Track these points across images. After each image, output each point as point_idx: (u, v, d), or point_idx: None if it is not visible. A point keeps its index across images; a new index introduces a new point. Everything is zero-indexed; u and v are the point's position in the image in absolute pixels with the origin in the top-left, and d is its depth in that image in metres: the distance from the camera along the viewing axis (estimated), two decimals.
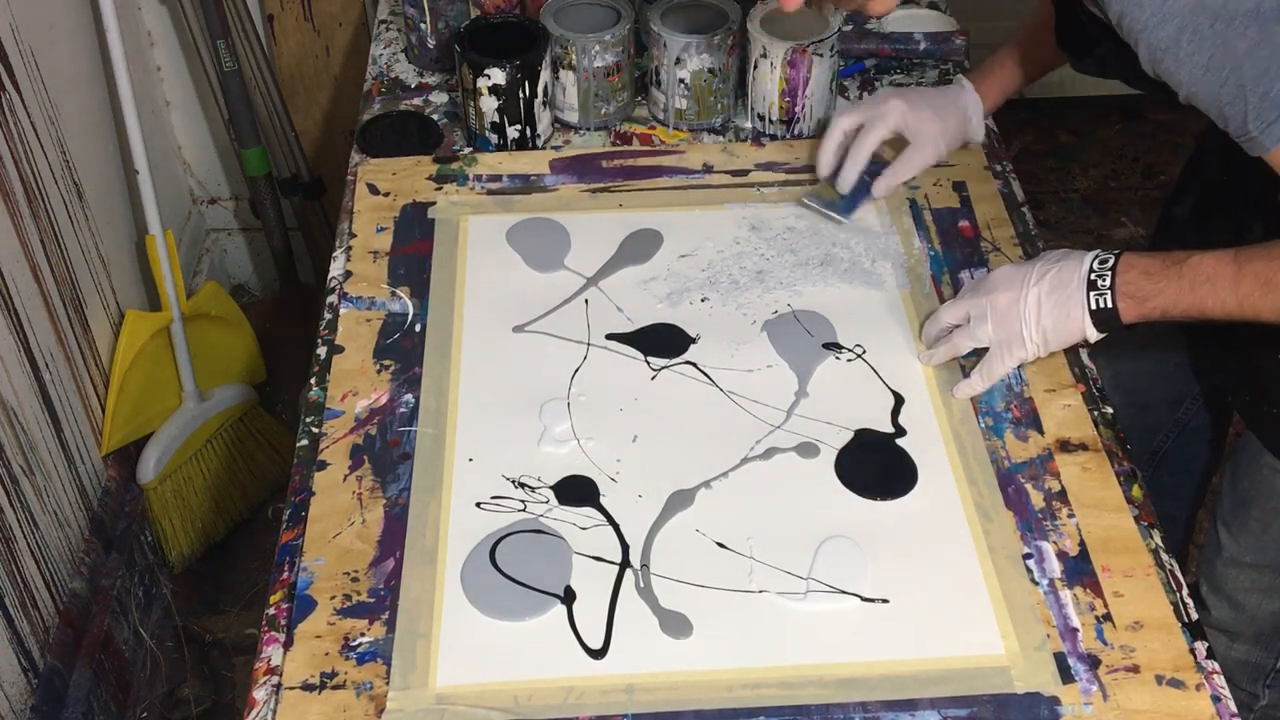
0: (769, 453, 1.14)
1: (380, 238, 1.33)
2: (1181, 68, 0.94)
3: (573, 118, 1.50)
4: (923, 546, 1.06)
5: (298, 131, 2.06)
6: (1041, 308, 1.09)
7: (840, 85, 1.52)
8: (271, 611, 1.03)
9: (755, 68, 1.43)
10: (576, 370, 1.21)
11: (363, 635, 1.00)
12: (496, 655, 0.99)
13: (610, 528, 1.08)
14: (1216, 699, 0.96)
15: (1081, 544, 1.05)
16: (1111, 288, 1.06)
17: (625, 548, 1.06)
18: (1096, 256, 1.08)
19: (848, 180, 1.31)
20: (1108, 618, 1.01)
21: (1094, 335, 1.08)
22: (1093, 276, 1.07)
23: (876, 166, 1.33)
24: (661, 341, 1.24)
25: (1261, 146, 0.96)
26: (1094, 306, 1.07)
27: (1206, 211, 1.29)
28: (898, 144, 1.33)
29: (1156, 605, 1.01)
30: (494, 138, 1.45)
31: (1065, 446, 1.13)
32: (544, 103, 1.45)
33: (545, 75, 1.43)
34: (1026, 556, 1.05)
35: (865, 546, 1.06)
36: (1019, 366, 1.15)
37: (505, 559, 1.05)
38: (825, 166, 1.33)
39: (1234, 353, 1.22)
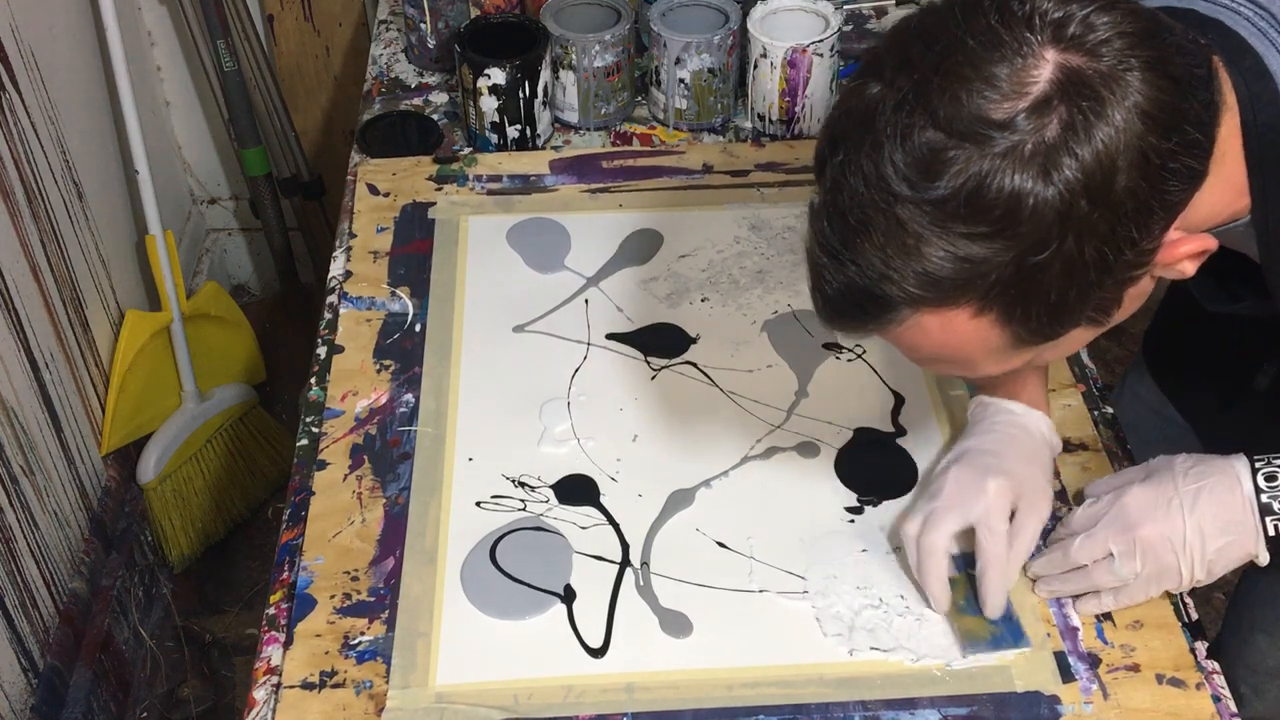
0: (769, 452, 1.14)
1: (380, 238, 1.34)
2: None
3: (573, 118, 1.50)
4: None
5: (298, 131, 2.06)
6: (1205, 541, 0.93)
7: (840, 85, 1.52)
8: (271, 611, 1.03)
9: (755, 68, 1.43)
10: (576, 370, 1.21)
11: (362, 634, 1.00)
12: (496, 654, 0.99)
13: (610, 527, 1.08)
14: (1216, 699, 0.96)
15: None
16: None
17: (625, 547, 1.06)
18: (1258, 471, 0.93)
19: (1001, 600, 0.99)
20: (1108, 617, 1.01)
21: (1267, 559, 0.94)
22: (1264, 499, 0.92)
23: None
24: (661, 341, 1.24)
25: None
26: (1272, 533, 0.92)
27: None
28: None
29: (1157, 604, 1.01)
30: (494, 138, 1.45)
31: (1065, 446, 1.13)
32: (544, 103, 1.45)
33: (545, 75, 1.43)
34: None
35: (865, 546, 1.06)
36: None
37: (505, 557, 1.05)
38: (946, 602, 1.00)
39: None
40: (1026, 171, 0.70)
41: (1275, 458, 0.93)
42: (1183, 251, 0.78)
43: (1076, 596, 1.01)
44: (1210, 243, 0.79)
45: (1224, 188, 0.81)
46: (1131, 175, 0.72)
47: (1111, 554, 0.96)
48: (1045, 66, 0.72)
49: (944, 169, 0.71)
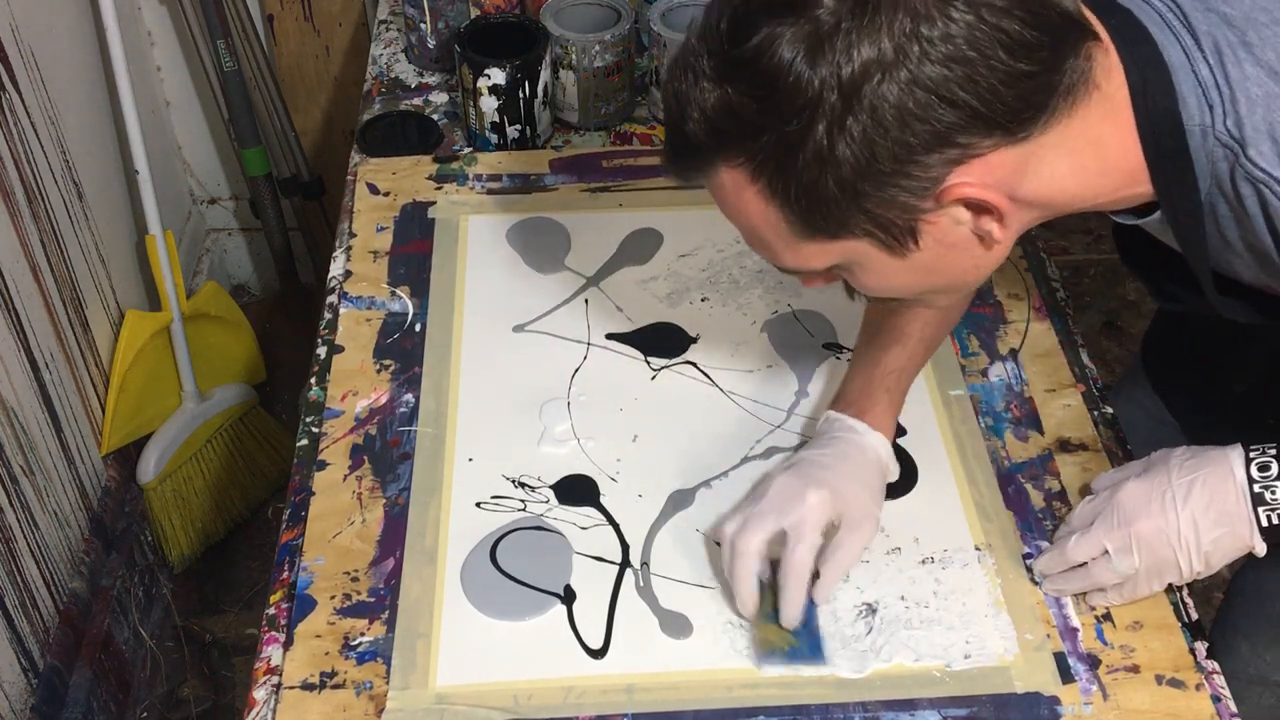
0: (769, 452, 1.14)
1: (380, 237, 1.33)
2: None
3: (573, 118, 1.50)
4: (923, 546, 1.06)
5: (298, 131, 2.06)
6: (1200, 533, 0.93)
7: None
8: (271, 611, 1.03)
9: None
10: (576, 370, 1.21)
11: (363, 635, 1.00)
12: (496, 655, 0.99)
13: (610, 527, 1.08)
14: (1216, 699, 0.96)
15: None
16: None
17: (625, 547, 1.06)
18: (1251, 461, 0.93)
19: (797, 612, 0.98)
20: (1108, 617, 1.01)
21: (1263, 550, 0.94)
22: (1257, 489, 0.92)
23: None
24: (661, 341, 1.24)
25: None
26: (1266, 524, 0.92)
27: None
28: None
29: (1156, 605, 1.01)
30: (494, 138, 1.45)
31: (1065, 446, 1.13)
32: (544, 103, 1.45)
33: (545, 75, 1.43)
34: (1026, 556, 1.05)
35: (865, 547, 1.06)
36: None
37: (505, 558, 1.05)
38: (751, 605, 0.99)
39: None
40: (798, 49, 0.75)
41: (1270, 447, 0.93)
42: (962, 194, 0.79)
43: (1084, 594, 1.01)
44: (1004, 204, 0.80)
45: (1101, 171, 0.83)
46: (894, 90, 0.75)
47: (1108, 551, 0.97)
48: None
49: (751, 33, 0.77)
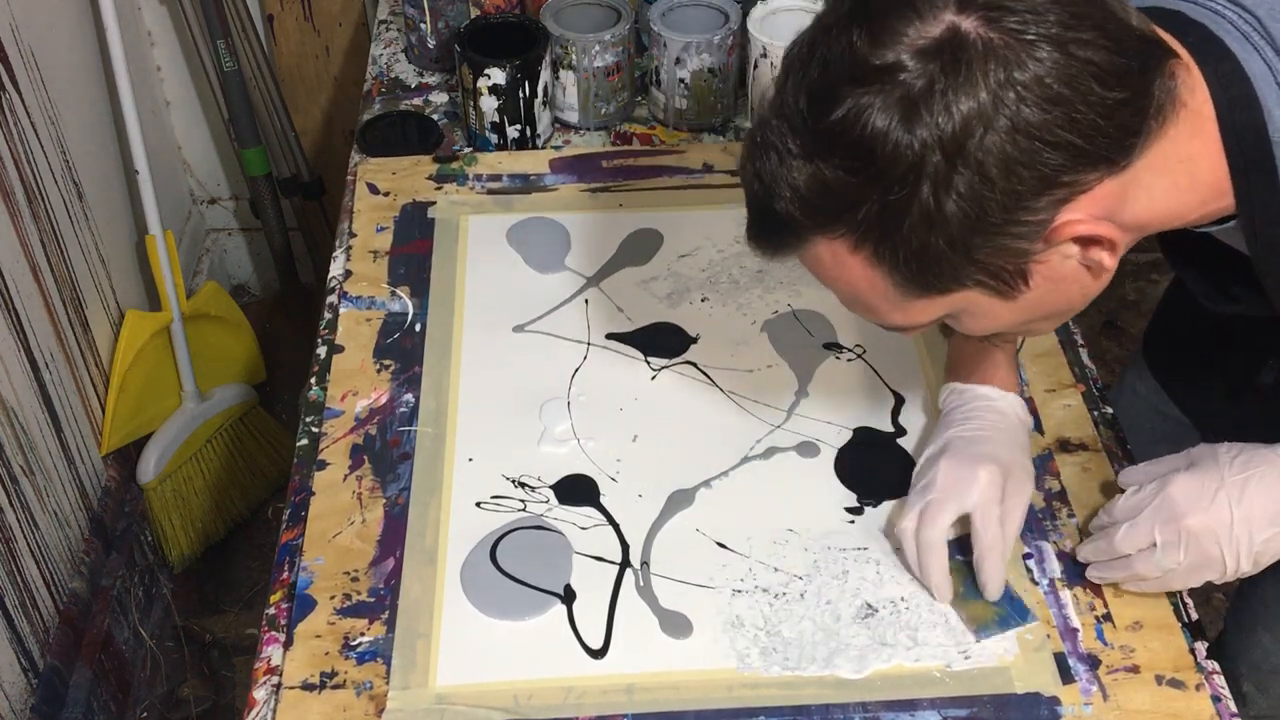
0: (769, 452, 1.14)
1: (380, 237, 1.33)
2: None
3: (573, 118, 1.50)
4: None
5: (298, 131, 2.06)
6: (1254, 532, 0.92)
7: None
8: (271, 611, 1.03)
9: (755, 68, 1.43)
10: (576, 370, 1.21)
11: (363, 635, 1.00)
12: (496, 655, 0.99)
13: (610, 527, 1.08)
14: (1216, 699, 0.96)
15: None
16: None
17: (625, 547, 1.06)
18: None
19: (1001, 583, 1.01)
20: (1108, 618, 1.01)
21: None
22: None
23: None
24: (661, 341, 1.24)
25: None
26: None
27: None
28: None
29: (1156, 605, 1.01)
30: (494, 138, 1.45)
31: (1065, 446, 1.13)
32: (544, 103, 1.45)
33: (545, 75, 1.43)
34: (1026, 556, 1.05)
35: (866, 546, 1.06)
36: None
37: (505, 558, 1.05)
38: (948, 593, 1.02)
39: None
40: (892, 115, 0.75)
41: None
42: (1074, 232, 0.79)
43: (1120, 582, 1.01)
44: (1114, 234, 0.80)
45: (1191, 188, 0.84)
46: (996, 141, 0.74)
47: (1155, 544, 0.96)
48: (938, 26, 0.75)
49: (835, 106, 0.77)
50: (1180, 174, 0.83)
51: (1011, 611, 1.01)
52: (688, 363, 1.22)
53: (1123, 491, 1.01)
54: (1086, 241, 0.81)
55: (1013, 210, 0.77)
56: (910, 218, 0.77)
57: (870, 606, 1.02)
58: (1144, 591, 1.01)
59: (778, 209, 0.81)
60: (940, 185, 0.76)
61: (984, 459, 1.02)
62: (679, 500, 1.10)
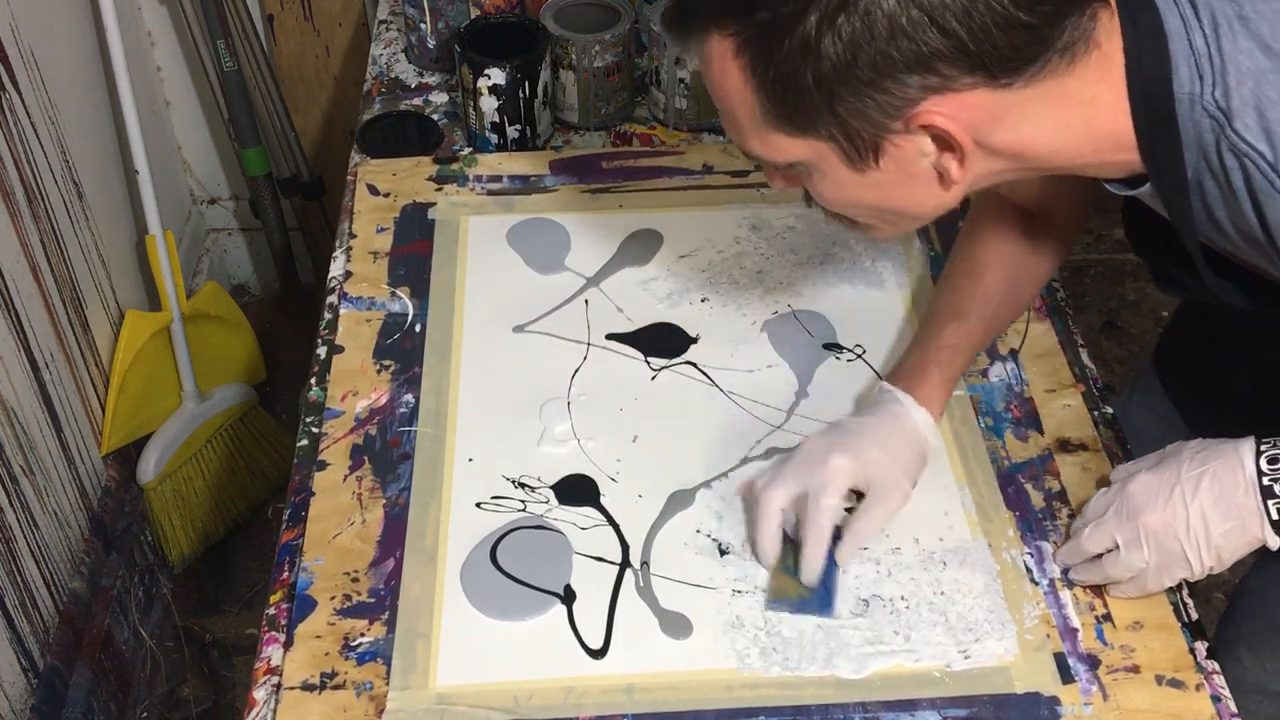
0: (769, 453, 1.14)
1: (380, 238, 1.33)
2: None
3: (573, 118, 1.50)
4: (923, 546, 1.06)
5: (298, 131, 2.06)
6: (1209, 526, 0.92)
7: None
8: (271, 611, 1.03)
9: None
10: (576, 370, 1.21)
11: (363, 635, 1.00)
12: (496, 655, 0.99)
13: (610, 527, 1.08)
14: (1216, 699, 0.96)
15: None
16: None
17: (625, 547, 1.06)
18: (1261, 455, 0.91)
19: (815, 569, 1.01)
20: (1108, 618, 1.01)
21: (1276, 543, 0.92)
22: (1265, 481, 0.91)
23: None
24: (661, 341, 1.23)
25: None
26: (1276, 516, 0.91)
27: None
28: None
29: (1156, 605, 1.01)
30: (494, 138, 1.45)
31: (1065, 446, 1.13)
32: (544, 103, 1.45)
33: (545, 75, 1.43)
34: (1026, 556, 1.05)
35: (865, 545, 1.06)
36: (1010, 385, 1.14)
37: (505, 558, 1.05)
38: (770, 556, 1.03)
39: None
40: None
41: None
42: (930, 122, 0.80)
43: (1104, 586, 1.01)
44: (969, 144, 0.81)
45: (1085, 131, 0.84)
46: (890, 2, 0.76)
47: (1118, 544, 0.96)
48: None
49: None
50: (1075, 115, 0.82)
51: (817, 599, 1.01)
52: (688, 363, 1.22)
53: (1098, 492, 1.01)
54: (942, 142, 0.82)
55: (882, 74, 0.78)
56: (790, 40, 0.78)
57: (870, 606, 1.02)
58: (1125, 595, 1.01)
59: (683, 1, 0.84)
60: (825, 20, 0.77)
61: (845, 450, 1.02)
62: (679, 500, 1.10)
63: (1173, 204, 0.86)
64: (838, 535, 1.02)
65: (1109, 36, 0.81)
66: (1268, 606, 1.18)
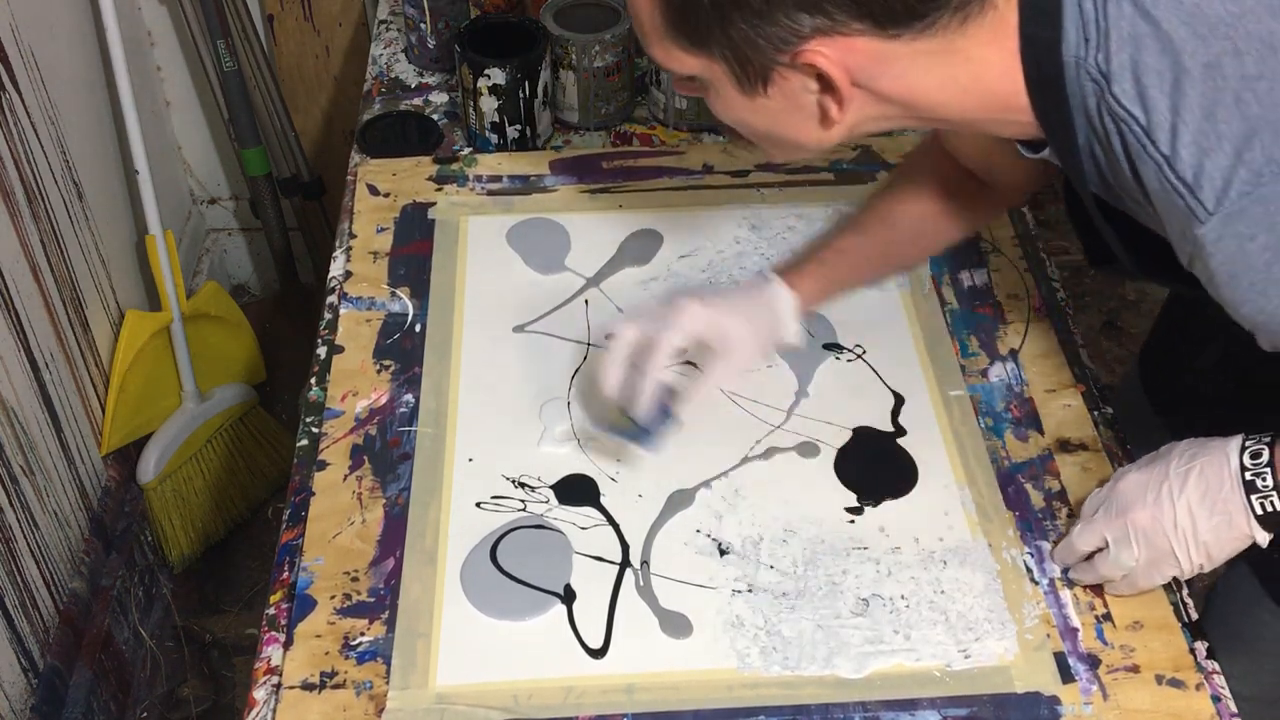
0: (769, 453, 1.14)
1: (380, 238, 1.33)
2: None
3: (573, 118, 1.50)
4: (923, 546, 1.06)
5: (298, 131, 2.06)
6: (1196, 522, 0.92)
7: None
8: (271, 611, 1.03)
9: None
10: (576, 370, 1.21)
11: (363, 635, 1.00)
12: (496, 655, 0.99)
13: (610, 527, 1.08)
14: (1216, 699, 0.96)
15: None
16: (1276, 487, 0.90)
17: (625, 547, 1.06)
18: (1244, 450, 0.92)
19: (643, 407, 1.06)
20: (1108, 617, 1.01)
21: (1265, 539, 0.92)
22: (1248, 476, 0.91)
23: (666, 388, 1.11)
24: None
25: None
26: (1260, 511, 0.91)
27: (1238, 366, 1.16)
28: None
29: (1156, 605, 1.01)
30: (494, 138, 1.45)
31: (1065, 446, 1.13)
32: (544, 103, 1.45)
33: (545, 75, 1.43)
34: (1026, 556, 1.05)
35: (866, 546, 1.06)
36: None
37: (505, 558, 1.05)
38: (611, 386, 1.08)
39: None
40: None
41: (1265, 436, 0.92)
42: (813, 61, 0.82)
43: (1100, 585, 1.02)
44: (848, 89, 0.83)
45: (972, 89, 0.85)
46: None
47: (1108, 542, 0.97)
48: None
49: None
50: (963, 72, 0.84)
51: (640, 432, 1.08)
52: (688, 363, 1.22)
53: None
54: (825, 83, 0.84)
55: (774, 8, 0.80)
56: None
57: (870, 606, 1.02)
58: (1118, 594, 1.01)
59: None
60: None
61: (700, 301, 1.07)
62: (679, 500, 1.10)
63: (1068, 166, 0.88)
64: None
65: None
66: (1229, 614, 1.17)
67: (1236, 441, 0.93)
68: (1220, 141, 0.77)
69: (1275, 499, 0.90)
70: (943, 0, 0.80)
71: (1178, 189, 0.79)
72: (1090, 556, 1.00)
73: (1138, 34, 0.79)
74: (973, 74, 0.84)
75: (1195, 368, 1.22)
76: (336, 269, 1.31)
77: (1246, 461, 0.91)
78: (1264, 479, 0.90)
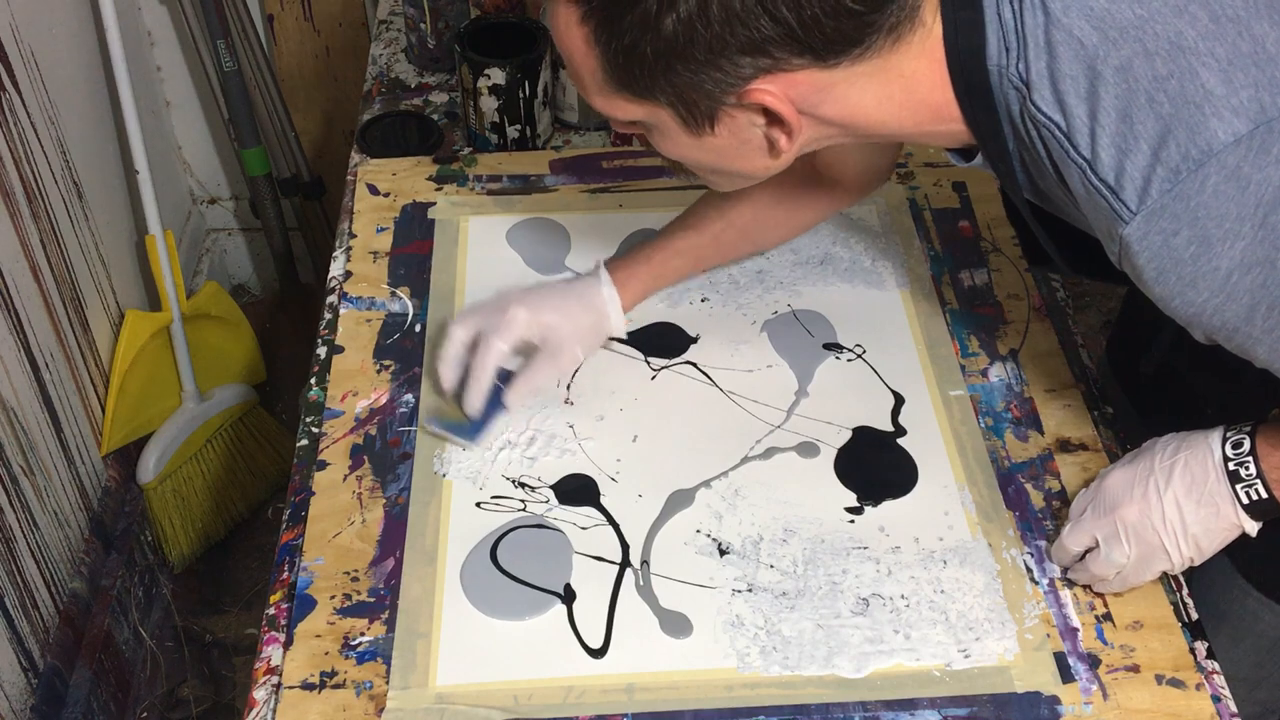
0: (769, 452, 1.14)
1: (380, 238, 1.34)
2: (1259, 344, 0.84)
3: (573, 118, 1.50)
4: (922, 546, 1.06)
5: (298, 131, 2.06)
6: (1185, 515, 0.93)
7: None
8: (271, 611, 1.03)
9: None
10: (576, 370, 1.21)
11: (363, 635, 1.00)
12: (496, 655, 0.99)
13: (610, 527, 1.08)
14: (1216, 699, 0.96)
15: None
16: (1259, 475, 0.91)
17: (625, 547, 1.06)
18: (1226, 441, 0.93)
19: (473, 403, 1.13)
20: (1108, 617, 1.01)
21: (1254, 528, 0.93)
22: (1232, 466, 0.92)
23: (506, 372, 1.15)
24: (661, 341, 1.24)
25: None
26: (1246, 500, 0.92)
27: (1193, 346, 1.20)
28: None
29: (1156, 605, 1.01)
30: (494, 138, 1.45)
31: (1065, 446, 1.13)
32: (544, 103, 1.45)
33: (545, 75, 1.43)
34: (1027, 556, 1.05)
35: (866, 546, 1.06)
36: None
37: (505, 558, 1.05)
38: (448, 381, 1.15)
39: None
40: None
41: (1245, 426, 0.93)
42: (761, 100, 0.84)
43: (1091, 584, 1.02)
44: (795, 121, 0.85)
45: (906, 104, 0.87)
46: None
47: (1097, 541, 0.98)
48: None
49: None
50: (896, 88, 0.85)
51: (468, 429, 1.13)
52: (688, 363, 1.22)
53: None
54: (772, 117, 0.85)
55: (717, 55, 0.81)
56: (632, 15, 0.81)
57: (870, 606, 1.02)
58: (1111, 591, 1.01)
59: None
60: (665, 2, 0.79)
61: (524, 303, 1.14)
62: (679, 500, 1.10)
63: (1001, 173, 0.90)
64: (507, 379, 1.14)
65: (933, 13, 0.84)
66: (1206, 592, 1.16)
67: (1218, 433, 0.94)
68: (1137, 142, 0.79)
69: (1259, 487, 0.91)
70: (877, 24, 0.82)
71: (1101, 191, 0.81)
72: (1083, 557, 1.00)
73: (1052, 41, 0.81)
74: (906, 88, 0.86)
75: (1154, 351, 1.24)
76: (336, 269, 1.31)
77: (1229, 452, 0.93)
78: (1247, 468, 0.92)
